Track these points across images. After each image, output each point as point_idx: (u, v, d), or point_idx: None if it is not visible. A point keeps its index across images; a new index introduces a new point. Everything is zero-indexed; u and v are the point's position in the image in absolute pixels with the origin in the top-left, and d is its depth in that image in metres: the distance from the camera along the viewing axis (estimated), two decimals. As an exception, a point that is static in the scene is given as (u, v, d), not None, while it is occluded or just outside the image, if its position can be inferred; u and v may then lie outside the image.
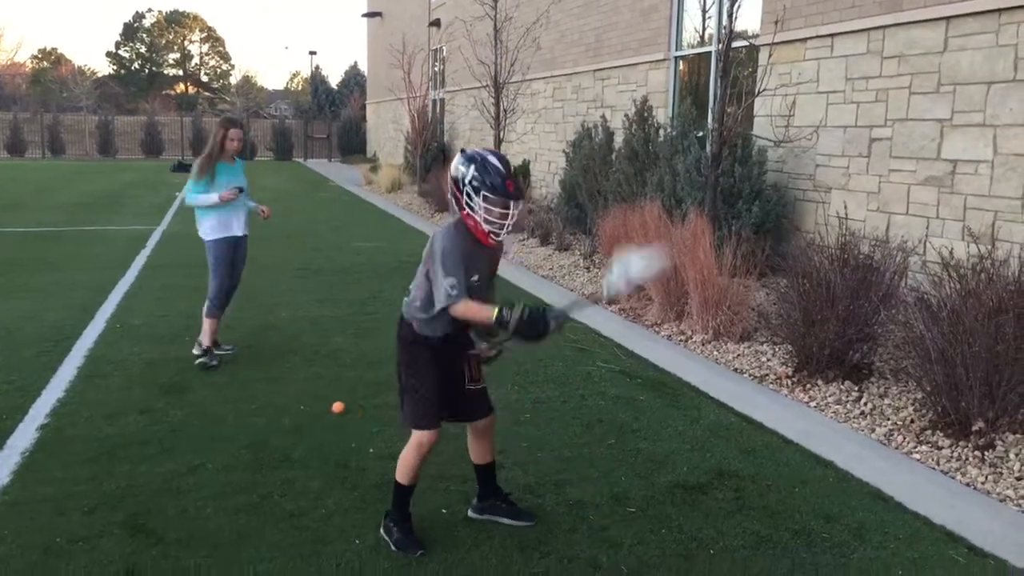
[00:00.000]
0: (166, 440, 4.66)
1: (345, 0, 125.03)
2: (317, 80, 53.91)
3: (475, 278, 3.35)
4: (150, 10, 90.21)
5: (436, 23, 24.83)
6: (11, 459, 4.35)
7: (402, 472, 3.50)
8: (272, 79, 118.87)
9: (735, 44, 8.19)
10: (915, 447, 4.70)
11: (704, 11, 11.98)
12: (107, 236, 13.06)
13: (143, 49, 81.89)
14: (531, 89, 16.35)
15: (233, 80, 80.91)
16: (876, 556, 3.50)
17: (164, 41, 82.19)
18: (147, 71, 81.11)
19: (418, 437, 3.43)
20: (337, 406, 5.03)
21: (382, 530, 3.57)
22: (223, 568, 3.32)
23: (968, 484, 4.26)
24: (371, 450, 4.53)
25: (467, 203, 3.27)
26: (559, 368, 6.14)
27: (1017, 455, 4.45)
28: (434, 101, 24.83)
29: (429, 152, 21.49)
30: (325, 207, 18.54)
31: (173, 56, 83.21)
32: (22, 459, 4.36)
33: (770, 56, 8.91)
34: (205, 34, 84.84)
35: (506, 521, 3.71)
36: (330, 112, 46.89)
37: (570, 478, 4.23)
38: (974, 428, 4.62)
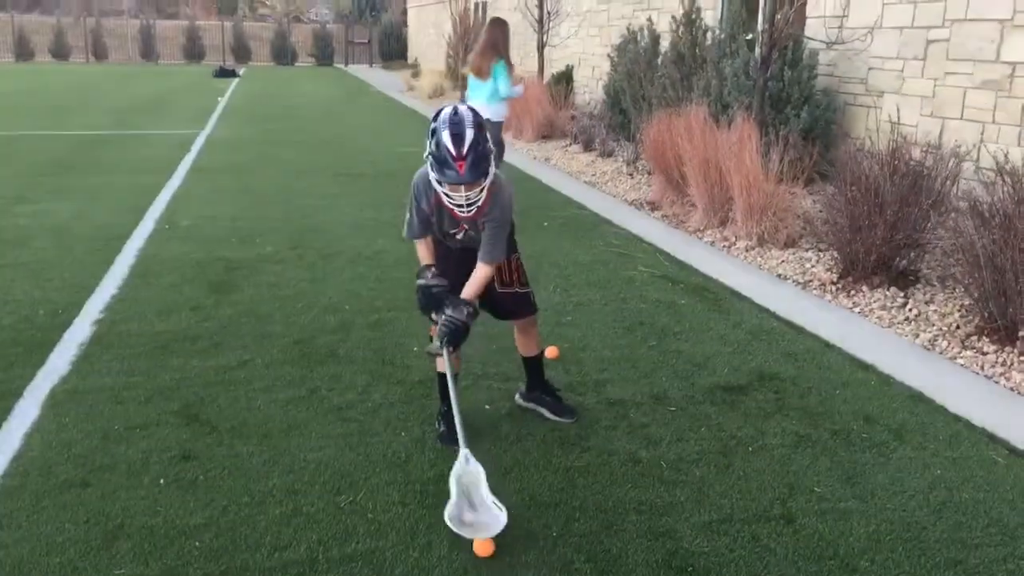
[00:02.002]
0: (216, 336, 4.78)
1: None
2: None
3: (455, 232, 3.39)
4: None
5: (478, -77, 24.18)
6: (69, 351, 4.49)
7: (436, 361, 3.54)
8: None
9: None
10: (959, 352, 4.68)
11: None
12: (153, 140, 13.17)
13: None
14: (576, -9, 15.95)
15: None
16: (915, 456, 3.53)
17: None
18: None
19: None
20: (551, 351, 4.34)
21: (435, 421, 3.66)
22: (274, 455, 3.43)
23: (1012, 389, 4.24)
24: (415, 348, 4.61)
25: (436, 180, 3.16)
26: (601, 272, 6.15)
27: (1063, 361, 4.42)
28: (476, 4, 24.35)
29: (471, 57, 21.19)
30: (367, 113, 18.46)
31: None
32: (79, 351, 4.50)
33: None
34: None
35: (548, 414, 3.78)
36: (371, 17, 46.22)
37: (611, 378, 4.28)
38: (1021, 334, 4.58)
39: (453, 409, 3.25)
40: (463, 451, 3.10)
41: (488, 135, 3.14)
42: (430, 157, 3.10)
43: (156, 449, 3.47)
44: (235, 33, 40.40)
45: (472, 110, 3.12)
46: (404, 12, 39.35)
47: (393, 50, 38.55)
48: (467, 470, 3.05)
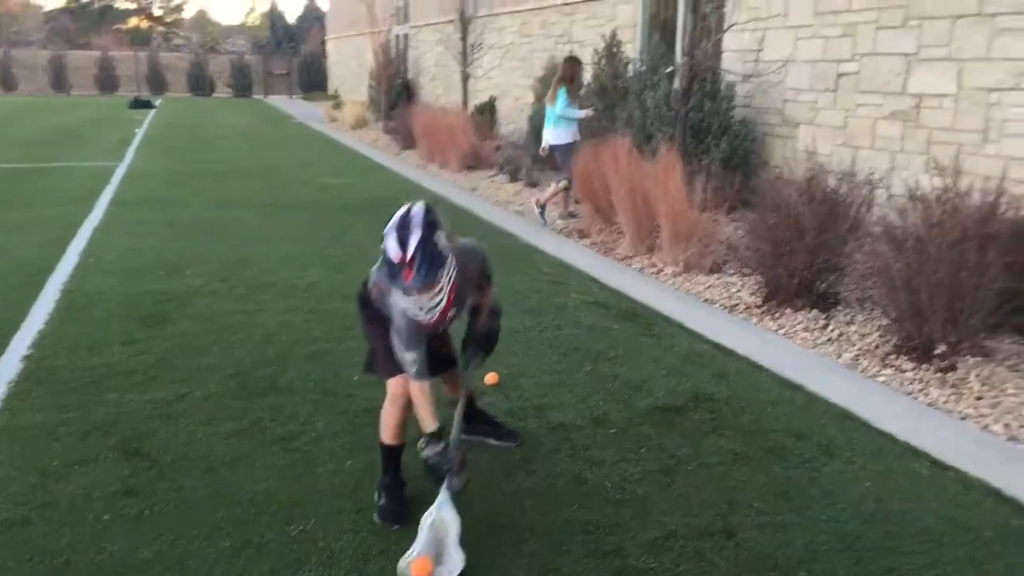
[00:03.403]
0: (151, 370, 4.71)
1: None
2: (275, 15, 52.78)
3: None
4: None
5: (399, -45, 24.38)
6: (-2, 389, 4.39)
7: (384, 431, 3.36)
8: (227, 14, 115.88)
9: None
10: (880, 371, 4.90)
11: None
12: (71, 172, 12.86)
13: (94, -18, 79.25)
14: (498, 24, 16.18)
15: (187, 15, 78.84)
16: (845, 469, 3.69)
17: (116, -27, 79.52)
18: (98, 4, 78.63)
19: (391, 388, 3.30)
20: (492, 377, 4.46)
21: (375, 494, 3.35)
22: (220, 488, 3.41)
23: (930, 404, 4.46)
24: (355, 377, 4.62)
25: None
26: (534, 300, 6.24)
27: (977, 376, 4.66)
28: (397, 36, 24.48)
29: (394, 89, 21.26)
30: (289, 144, 18.34)
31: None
32: (8, 388, 4.39)
33: (740, -10, 8.93)
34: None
35: (492, 442, 3.84)
36: (289, 48, 45.97)
37: (551, 403, 4.36)
38: (936, 352, 4.82)
39: (453, 432, 3.22)
40: (442, 495, 3.03)
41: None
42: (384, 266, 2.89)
43: (97, 485, 3.41)
44: (150, 64, 39.76)
45: (426, 209, 2.85)
46: (323, 43, 39.24)
47: (313, 81, 38.44)
48: (442, 517, 2.97)
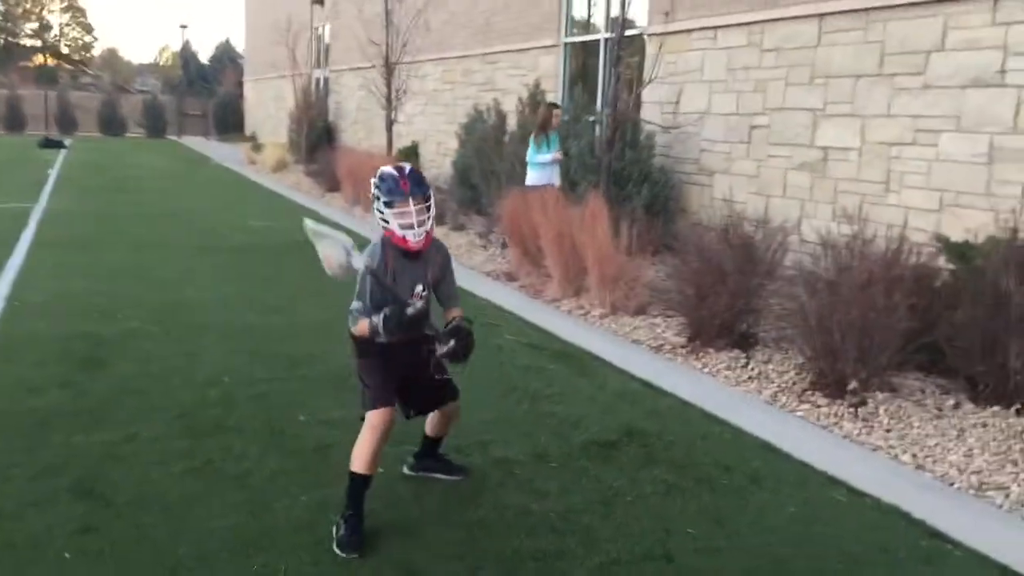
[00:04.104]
0: (95, 411, 4.74)
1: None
2: (187, 55, 52.25)
3: (419, 288, 3.53)
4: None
5: (320, 1, 24.59)
6: (-61, 433, 4.37)
7: (358, 460, 3.47)
8: (138, 53, 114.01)
9: (626, 32, 8.64)
10: (797, 406, 5.24)
11: (591, -1, 12.43)
12: (-16, 214, 12.59)
13: (-2, 17, 77.26)
14: (421, 72, 16.48)
15: (96, 52, 77.50)
16: (771, 498, 3.97)
17: (21, 10, 77.74)
18: (3, 41, 76.60)
19: (373, 417, 3.47)
20: None
21: (333, 528, 3.44)
22: (179, 525, 3.50)
23: (845, 436, 4.80)
24: (301, 417, 4.74)
25: (382, 220, 3.45)
26: (469, 341, 6.43)
27: (886, 410, 5.03)
28: (318, 79, 24.61)
29: (315, 131, 21.34)
30: (210, 186, 18.24)
31: (31, 26, 78.82)
32: (-50, 433, 4.38)
33: (660, 47, 9.40)
34: (65, 3, 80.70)
35: (441, 476, 4.01)
36: (202, 88, 45.52)
37: (493, 439, 4.55)
38: (849, 388, 5.18)
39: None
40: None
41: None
42: (378, 198, 3.44)
43: (55, 524, 3.46)
44: (59, 102, 38.86)
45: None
46: (240, 84, 39.02)
47: (230, 122, 38.02)
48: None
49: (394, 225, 3.43)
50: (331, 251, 3.59)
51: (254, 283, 8.30)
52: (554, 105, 9.90)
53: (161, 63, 79.81)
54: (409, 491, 3.90)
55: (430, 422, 3.93)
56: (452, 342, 3.43)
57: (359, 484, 3.49)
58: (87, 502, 3.68)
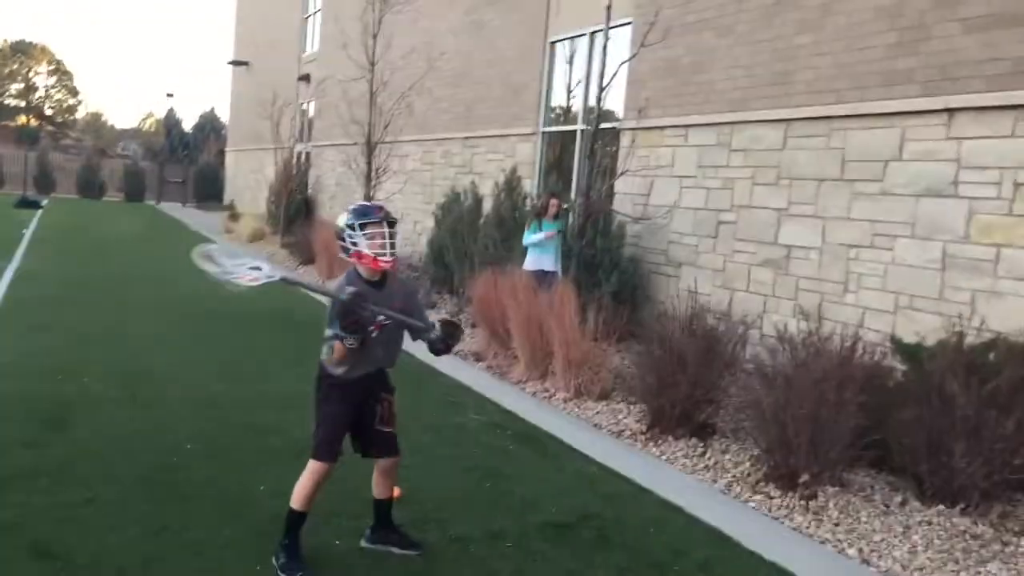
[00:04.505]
0: (55, 473, 4.77)
1: (206, 45, 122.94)
2: (171, 122, 52.78)
3: (381, 318, 3.74)
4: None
5: (306, 77, 25.09)
6: None
7: (297, 499, 3.83)
8: (121, 118, 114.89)
9: (601, 125, 8.96)
10: (751, 496, 5.35)
11: (569, 91, 12.85)
12: (-45, 271, 12.59)
13: (-16, 77, 77.77)
14: (401, 151, 16.81)
15: (79, 115, 78.01)
16: (719, 585, 4.06)
17: (8, 71, 78.38)
18: (-14, 100, 76.93)
19: (315, 465, 3.82)
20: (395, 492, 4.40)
21: (273, 558, 3.85)
22: (134, 589, 3.54)
23: (795, 528, 4.92)
24: (261, 487, 4.79)
25: (352, 244, 3.75)
26: (433, 418, 6.52)
27: (835, 504, 5.16)
28: (299, 153, 24.96)
29: (293, 204, 21.54)
30: (187, 253, 18.21)
31: (16, 86, 79.39)
32: (-92, 487, 4.39)
33: (633, 141, 9.73)
34: (53, 66, 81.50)
35: (396, 550, 4.08)
36: (183, 156, 45.87)
37: (450, 516, 4.63)
38: (800, 480, 5.31)
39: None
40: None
41: None
42: (351, 225, 3.73)
43: (10, 584, 3.49)
44: (39, 163, 38.99)
45: None
46: (221, 153, 39.39)
47: (208, 191, 38.28)
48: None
49: (365, 247, 3.72)
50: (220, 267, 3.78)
51: (224, 350, 8.36)
52: (553, 194, 9.79)
53: (144, 129, 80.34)
54: (363, 564, 3.97)
55: (375, 484, 4.11)
56: (438, 328, 3.82)
57: (297, 520, 3.85)
58: (44, 563, 3.71)
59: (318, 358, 3.91)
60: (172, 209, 34.90)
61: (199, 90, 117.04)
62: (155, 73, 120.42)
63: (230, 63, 36.03)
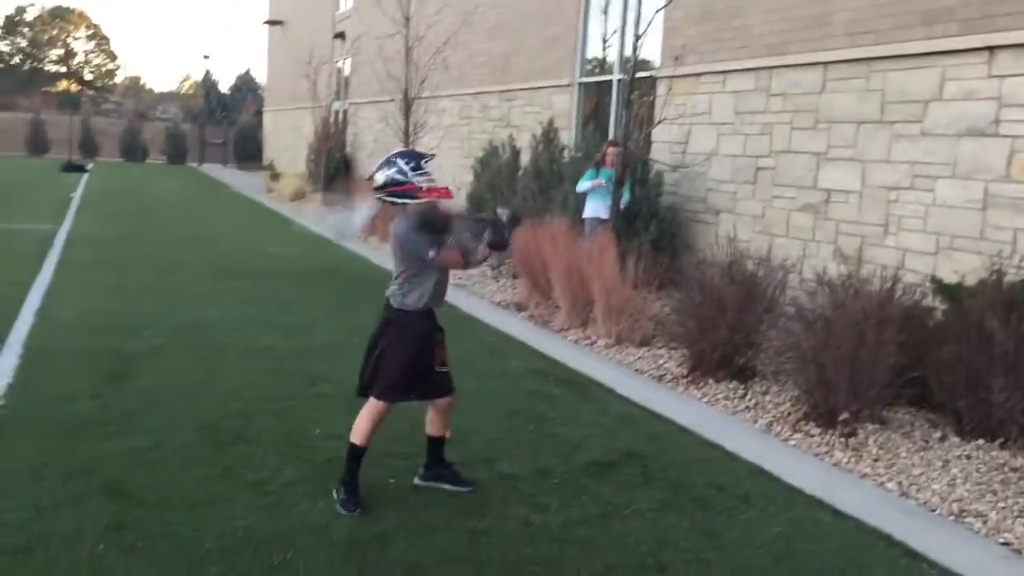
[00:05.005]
0: (122, 420, 5.02)
1: (241, 5, 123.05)
2: (209, 84, 53.14)
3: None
4: (32, 4, 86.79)
5: (341, 35, 25.16)
6: (-23, 436, 4.65)
7: (358, 433, 4.04)
8: (160, 81, 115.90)
9: (637, 74, 8.97)
10: (791, 435, 5.48)
11: (605, 41, 12.80)
12: (11, 235, 12.97)
13: (24, 44, 78.73)
14: (439, 107, 16.89)
15: (118, 80, 78.78)
16: (759, 516, 4.21)
17: (47, 37, 79.21)
18: (28, 67, 77.95)
19: (379, 405, 4.02)
20: (447, 434, 4.54)
21: (333, 491, 4.06)
22: (203, 523, 3.76)
23: (835, 464, 5.04)
24: (317, 431, 5.01)
25: (427, 182, 3.91)
26: (478, 366, 6.68)
27: (874, 441, 5.26)
28: (337, 112, 25.11)
29: (332, 162, 21.77)
30: (230, 212, 18.67)
31: (56, 52, 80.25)
32: (-15, 435, 4.67)
33: (670, 89, 9.73)
34: (91, 31, 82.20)
35: (448, 487, 4.27)
36: (222, 117, 46.27)
37: (499, 456, 4.81)
38: (840, 419, 5.41)
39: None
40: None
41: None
42: (413, 167, 3.89)
43: (88, 519, 3.73)
44: (82, 128, 39.62)
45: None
46: (259, 114, 39.69)
47: (248, 151, 38.66)
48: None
49: (429, 181, 3.90)
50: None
51: (273, 306, 8.59)
52: (613, 143, 9.46)
53: (182, 92, 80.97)
54: (419, 500, 4.16)
55: (430, 422, 4.30)
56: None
57: (357, 454, 4.05)
58: (117, 501, 3.94)
59: (387, 300, 4.09)
60: (214, 170, 35.39)
61: (235, 51, 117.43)
62: (191, 35, 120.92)
63: (265, 23, 36.17)
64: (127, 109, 55.22)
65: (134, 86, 73.82)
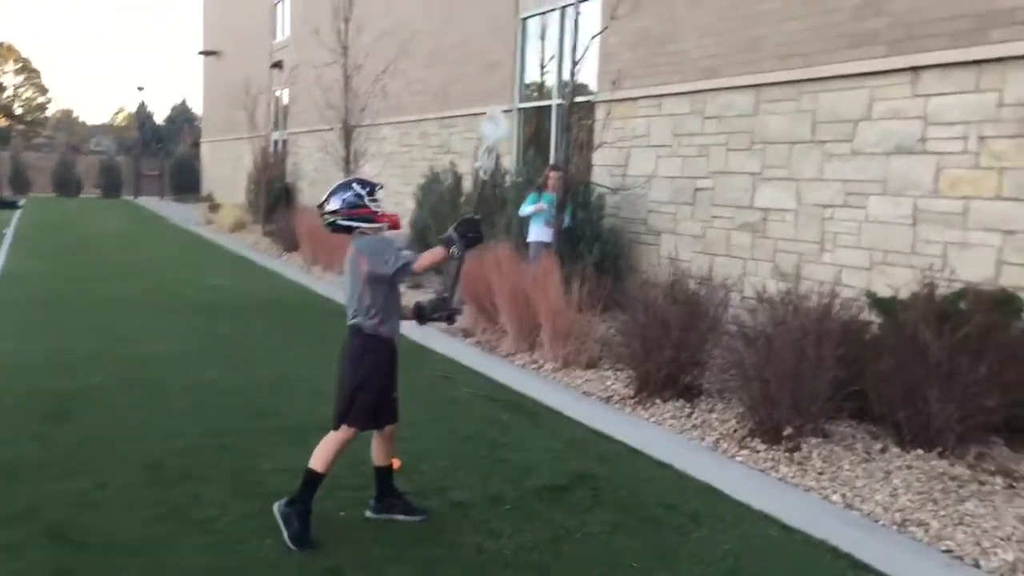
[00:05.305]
0: (63, 462, 4.91)
1: (175, 36, 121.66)
2: (143, 116, 52.43)
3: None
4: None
5: (278, 65, 25.03)
6: (-89, 483, 4.50)
7: (320, 461, 4.01)
8: (93, 114, 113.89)
9: (576, 99, 9.09)
10: (738, 451, 5.55)
11: (543, 67, 12.95)
12: (-60, 273, 12.63)
13: (-50, 78, 76.79)
14: (379, 134, 16.86)
15: (50, 113, 77.19)
16: (709, 534, 4.26)
17: (-26, 71, 77.38)
18: (-46, 101, 75.99)
19: (345, 433, 4.02)
20: (394, 463, 4.50)
21: (279, 514, 4.00)
22: (151, 565, 3.69)
23: (781, 479, 5.12)
24: (265, 466, 4.94)
25: (375, 207, 4.01)
26: (427, 394, 6.66)
27: (818, 454, 5.37)
28: (276, 141, 24.93)
29: (272, 192, 21.57)
30: (168, 245, 18.36)
31: (-17, 87, 78.39)
32: (-78, 483, 4.52)
33: (608, 113, 9.86)
34: (20, 65, 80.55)
35: (401, 517, 4.25)
36: (158, 149, 45.64)
37: (451, 484, 4.80)
38: (784, 434, 5.51)
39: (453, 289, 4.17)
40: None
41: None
42: (367, 192, 4.02)
43: (30, 566, 3.64)
44: (13, 162, 38.71)
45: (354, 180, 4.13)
46: (196, 145, 39.21)
47: (185, 183, 38.11)
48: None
49: (382, 208, 4.04)
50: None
51: (214, 340, 8.47)
52: (554, 167, 9.52)
53: (116, 124, 79.59)
54: (370, 532, 4.13)
55: (376, 452, 4.28)
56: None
57: (316, 482, 4.02)
58: (62, 546, 3.85)
59: (357, 329, 4.07)
60: (150, 203, 34.81)
61: (170, 82, 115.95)
62: (124, 67, 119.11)
63: (200, 53, 35.83)
64: (59, 143, 54.07)
65: (66, 119, 72.36)
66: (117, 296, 11.00)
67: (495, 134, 4.06)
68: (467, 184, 12.30)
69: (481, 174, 4.07)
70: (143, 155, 43.53)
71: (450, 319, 4.27)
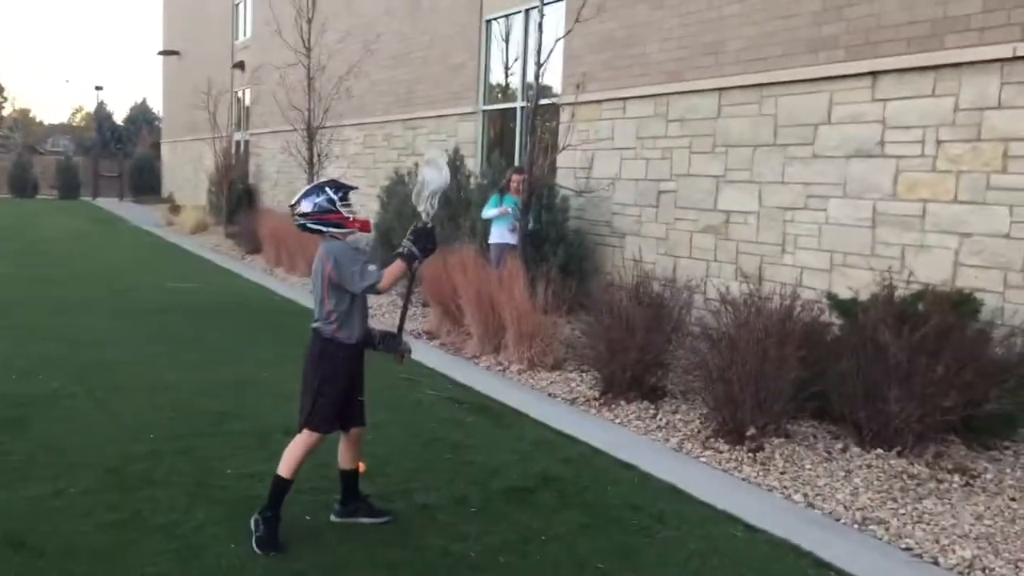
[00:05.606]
0: (21, 468, 4.82)
1: (134, 35, 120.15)
2: (102, 116, 51.69)
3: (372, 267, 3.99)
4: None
5: (240, 65, 24.82)
6: None
7: (287, 466, 3.99)
8: (51, 113, 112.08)
9: (540, 101, 9.11)
10: (702, 452, 5.60)
11: (507, 69, 12.98)
12: None
13: (-99, 76, 75.18)
14: (343, 136, 16.78)
15: (6, 113, 75.87)
16: (674, 535, 4.29)
17: (-73, 69, 75.80)
18: (-93, 101, 74.40)
19: (311, 437, 3.99)
20: (359, 467, 4.53)
21: (252, 523, 3.96)
22: (112, 574, 3.64)
23: (744, 479, 5.17)
24: (228, 470, 4.90)
25: (348, 212, 3.98)
26: (391, 396, 6.64)
27: (781, 454, 5.43)
28: (238, 142, 24.70)
29: (235, 193, 21.38)
30: (128, 247, 18.10)
31: (-63, 85, 76.79)
32: None
33: (572, 116, 9.90)
34: (-25, 63, 79.02)
35: (366, 520, 4.23)
36: (117, 149, 44.99)
37: (416, 487, 4.79)
38: (747, 434, 5.56)
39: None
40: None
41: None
42: (339, 196, 3.96)
43: (-12, 575, 3.57)
44: (-29, 164, 37.98)
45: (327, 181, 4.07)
46: (156, 145, 38.72)
47: (145, 184, 37.58)
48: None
49: (354, 212, 4.00)
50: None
51: (175, 343, 8.37)
52: (517, 170, 9.56)
53: (75, 124, 78.43)
54: (335, 535, 4.11)
55: (342, 456, 4.25)
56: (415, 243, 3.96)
57: (283, 487, 3.99)
58: (20, 554, 3.79)
59: (318, 333, 4.06)
60: (109, 204, 34.31)
61: (130, 81, 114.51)
62: (83, 66, 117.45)
63: (160, 53, 35.40)
64: (16, 143, 53.16)
65: (23, 119, 71.13)
66: (76, 299, 10.83)
67: (436, 180, 4.03)
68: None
69: (424, 217, 3.99)
70: (102, 156, 42.88)
71: (400, 357, 4.24)
